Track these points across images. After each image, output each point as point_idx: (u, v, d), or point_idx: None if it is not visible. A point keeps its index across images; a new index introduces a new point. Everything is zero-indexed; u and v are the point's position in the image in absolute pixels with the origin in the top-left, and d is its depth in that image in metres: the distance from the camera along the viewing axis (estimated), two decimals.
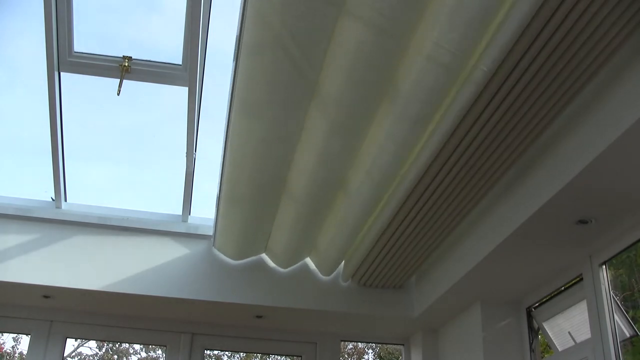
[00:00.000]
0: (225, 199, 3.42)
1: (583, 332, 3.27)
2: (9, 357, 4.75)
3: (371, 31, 2.27)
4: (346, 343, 5.61)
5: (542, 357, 3.75)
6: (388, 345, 5.59)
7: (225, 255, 4.04)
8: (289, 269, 4.14)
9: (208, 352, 4.72)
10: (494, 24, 2.18)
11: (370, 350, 5.93)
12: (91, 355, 5.00)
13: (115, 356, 5.12)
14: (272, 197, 3.38)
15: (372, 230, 3.48)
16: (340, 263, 4.05)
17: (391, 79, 2.52)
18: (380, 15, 2.20)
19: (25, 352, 4.26)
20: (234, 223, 3.67)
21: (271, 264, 4.13)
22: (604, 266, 3.10)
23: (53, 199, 4.04)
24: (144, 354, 5.01)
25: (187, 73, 3.32)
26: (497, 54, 2.18)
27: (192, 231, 4.12)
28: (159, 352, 4.91)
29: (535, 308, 3.77)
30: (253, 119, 2.82)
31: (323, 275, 4.15)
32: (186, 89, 3.37)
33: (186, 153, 3.73)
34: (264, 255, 4.13)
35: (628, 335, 3.05)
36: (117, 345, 5.08)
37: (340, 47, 2.40)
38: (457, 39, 2.20)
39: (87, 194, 4.19)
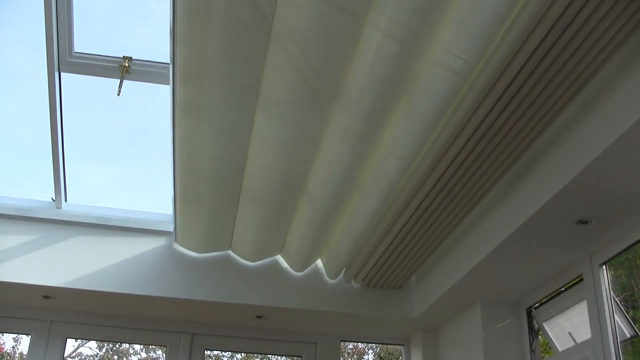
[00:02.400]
0: (181, 197, 3.43)
1: (583, 333, 3.27)
2: (9, 358, 4.75)
3: (389, 40, 2.28)
4: (346, 343, 5.61)
5: (542, 358, 3.75)
6: (388, 346, 5.58)
7: (189, 249, 4.03)
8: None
9: (208, 352, 4.72)
10: (503, 31, 2.19)
11: (370, 351, 5.93)
12: (91, 356, 4.99)
13: (116, 356, 5.12)
14: (231, 195, 3.39)
15: (375, 232, 3.47)
16: (343, 266, 4.05)
17: (404, 87, 2.53)
18: (398, 24, 2.21)
19: (25, 353, 4.26)
20: (195, 219, 3.68)
21: (274, 264, 4.13)
22: (604, 266, 3.10)
23: (53, 199, 4.04)
24: (144, 354, 5.01)
25: None
26: (501, 57, 2.18)
27: None
28: (159, 352, 4.91)
29: (535, 308, 3.77)
30: (199, 118, 2.81)
31: (330, 279, 4.16)
32: None
33: None
34: (268, 257, 4.13)
35: (628, 335, 3.05)
36: (117, 346, 5.08)
37: (358, 55, 2.41)
38: (470, 46, 2.21)
39: (87, 194, 4.19)
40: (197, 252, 4.03)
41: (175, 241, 4.01)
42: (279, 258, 4.14)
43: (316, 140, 2.93)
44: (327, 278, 4.17)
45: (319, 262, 4.16)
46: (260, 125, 2.88)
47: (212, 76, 2.60)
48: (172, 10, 2.35)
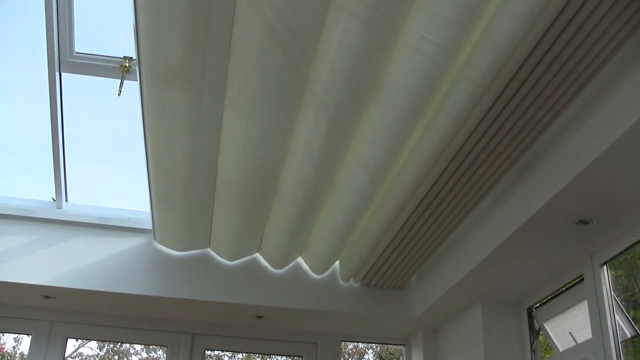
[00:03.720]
0: (156, 196, 3.43)
1: (584, 333, 3.27)
2: (10, 358, 4.75)
3: (360, 24, 2.25)
4: (347, 343, 5.60)
5: (543, 358, 3.74)
6: (389, 346, 5.58)
7: (168, 247, 4.02)
8: (287, 269, 4.14)
9: (209, 352, 4.72)
10: (485, 16, 2.17)
11: (371, 351, 5.93)
12: (92, 356, 4.99)
13: (116, 356, 5.12)
14: (205, 194, 3.38)
15: (371, 231, 3.47)
16: (332, 262, 4.06)
17: (380, 73, 2.50)
18: (368, 7, 2.19)
19: (26, 353, 4.27)
20: (172, 218, 3.68)
21: (252, 262, 4.14)
22: (604, 266, 3.10)
23: (54, 200, 4.04)
24: (144, 355, 5.01)
25: None
26: (495, 53, 2.17)
27: None
28: (160, 352, 4.91)
29: (536, 308, 3.77)
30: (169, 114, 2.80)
31: (315, 274, 4.17)
32: None
33: None
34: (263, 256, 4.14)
35: (629, 335, 3.05)
36: (117, 346, 5.08)
37: (329, 40, 2.38)
38: (446, 32, 2.19)
39: (88, 194, 4.19)
40: (176, 250, 4.02)
41: (154, 239, 4.00)
42: (258, 257, 4.13)
43: (287, 137, 2.90)
44: (327, 278, 4.18)
45: (301, 261, 4.17)
46: (228, 123, 2.85)
47: (179, 74, 2.57)
48: (134, 7, 2.32)
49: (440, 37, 2.21)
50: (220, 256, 4.07)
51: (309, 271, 4.16)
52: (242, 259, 4.11)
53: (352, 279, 4.14)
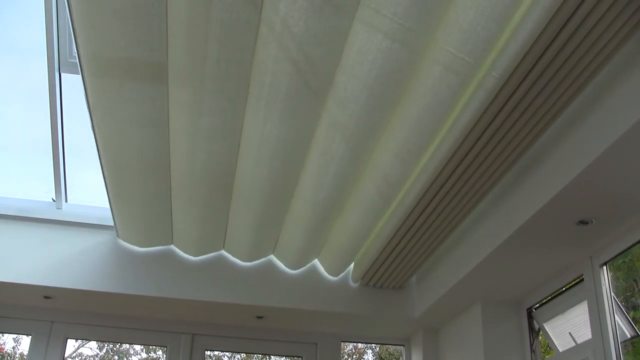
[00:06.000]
0: (113, 192, 3.41)
1: (584, 333, 3.27)
2: (10, 358, 4.75)
3: (385, 39, 2.27)
4: (346, 344, 5.60)
5: (543, 358, 3.74)
6: (388, 346, 5.58)
7: (131, 244, 4.00)
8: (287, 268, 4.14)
9: (208, 352, 4.72)
10: (504, 34, 2.18)
11: (370, 351, 5.93)
12: (92, 356, 4.99)
13: (116, 357, 5.12)
14: (161, 189, 3.36)
15: (381, 234, 3.47)
16: (348, 264, 4.06)
17: (405, 88, 2.52)
18: (395, 22, 2.20)
19: (26, 353, 4.27)
20: (131, 214, 3.66)
21: (272, 264, 4.13)
22: (604, 267, 3.10)
23: (54, 200, 4.04)
24: (144, 355, 5.01)
25: None
26: (509, 60, 2.18)
27: None
28: (160, 352, 4.90)
29: (535, 309, 3.77)
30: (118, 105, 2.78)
31: (332, 276, 4.16)
32: None
33: None
34: (270, 257, 4.13)
35: (629, 335, 3.05)
36: (117, 346, 5.08)
37: (353, 53, 2.38)
38: (472, 47, 2.21)
39: (88, 194, 4.19)
40: (140, 247, 4.00)
41: (117, 236, 3.98)
42: (224, 253, 4.13)
43: (237, 127, 2.86)
44: (327, 278, 4.18)
45: (317, 262, 4.16)
46: (176, 115, 2.81)
47: (118, 64, 2.53)
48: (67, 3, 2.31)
49: (465, 52, 2.22)
50: (185, 253, 4.04)
51: (310, 271, 4.16)
52: (256, 261, 4.12)
53: (360, 280, 4.13)
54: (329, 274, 4.16)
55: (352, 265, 4.14)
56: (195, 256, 4.05)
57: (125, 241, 4.00)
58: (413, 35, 2.23)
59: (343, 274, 4.18)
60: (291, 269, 4.13)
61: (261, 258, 4.11)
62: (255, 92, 2.64)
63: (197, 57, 2.46)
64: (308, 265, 4.16)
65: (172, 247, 4.05)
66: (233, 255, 4.09)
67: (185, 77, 2.58)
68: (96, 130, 2.96)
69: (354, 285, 4.20)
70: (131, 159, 3.11)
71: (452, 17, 2.18)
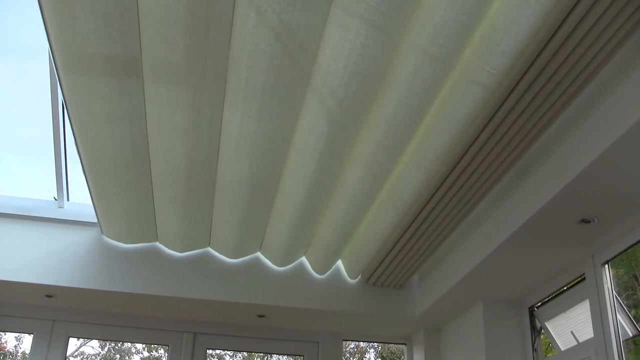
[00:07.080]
0: (94, 188, 3.40)
1: (586, 332, 3.27)
2: (12, 357, 4.76)
3: (365, 26, 2.25)
4: (348, 342, 5.61)
5: (545, 357, 3.74)
6: (390, 345, 5.58)
7: (116, 240, 3.99)
8: (287, 268, 4.14)
9: (210, 351, 4.72)
10: (487, 16, 2.17)
11: (372, 350, 5.93)
12: (93, 355, 5.00)
13: (118, 355, 5.13)
14: (143, 183, 3.34)
15: (373, 230, 3.47)
16: (333, 262, 4.05)
17: (387, 74, 2.49)
18: (374, 9, 2.18)
19: (27, 352, 4.27)
20: (114, 210, 3.65)
21: (272, 263, 4.14)
22: (606, 265, 3.09)
23: (55, 199, 4.04)
24: (146, 354, 5.02)
25: None
26: (507, 59, 2.17)
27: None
28: (161, 351, 4.91)
29: (537, 307, 3.77)
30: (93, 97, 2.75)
31: (319, 274, 4.16)
32: None
33: None
34: (258, 254, 4.14)
35: (631, 334, 3.05)
36: (119, 345, 5.09)
37: (328, 50, 2.36)
38: (450, 33, 2.19)
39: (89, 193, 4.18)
40: (125, 243, 3.99)
41: (102, 233, 3.97)
42: (260, 256, 4.13)
43: (216, 121, 2.84)
44: (328, 278, 4.18)
45: (304, 260, 4.16)
46: (152, 109, 2.79)
47: (91, 60, 2.51)
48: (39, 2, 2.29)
49: (444, 38, 2.20)
50: (171, 249, 4.04)
51: (310, 270, 4.16)
52: (245, 258, 4.12)
53: (359, 277, 4.12)
54: (315, 271, 4.14)
55: (339, 262, 4.14)
56: (181, 252, 4.04)
57: (110, 238, 3.98)
58: (389, 20, 2.22)
59: (330, 271, 4.16)
60: (278, 266, 4.12)
61: (247, 255, 4.10)
62: (233, 86, 2.61)
63: (170, 51, 2.44)
64: (308, 264, 4.17)
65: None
66: (219, 252, 4.08)
67: (160, 72, 2.56)
68: (74, 127, 2.94)
69: (355, 284, 4.20)
70: (111, 155, 3.09)
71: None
